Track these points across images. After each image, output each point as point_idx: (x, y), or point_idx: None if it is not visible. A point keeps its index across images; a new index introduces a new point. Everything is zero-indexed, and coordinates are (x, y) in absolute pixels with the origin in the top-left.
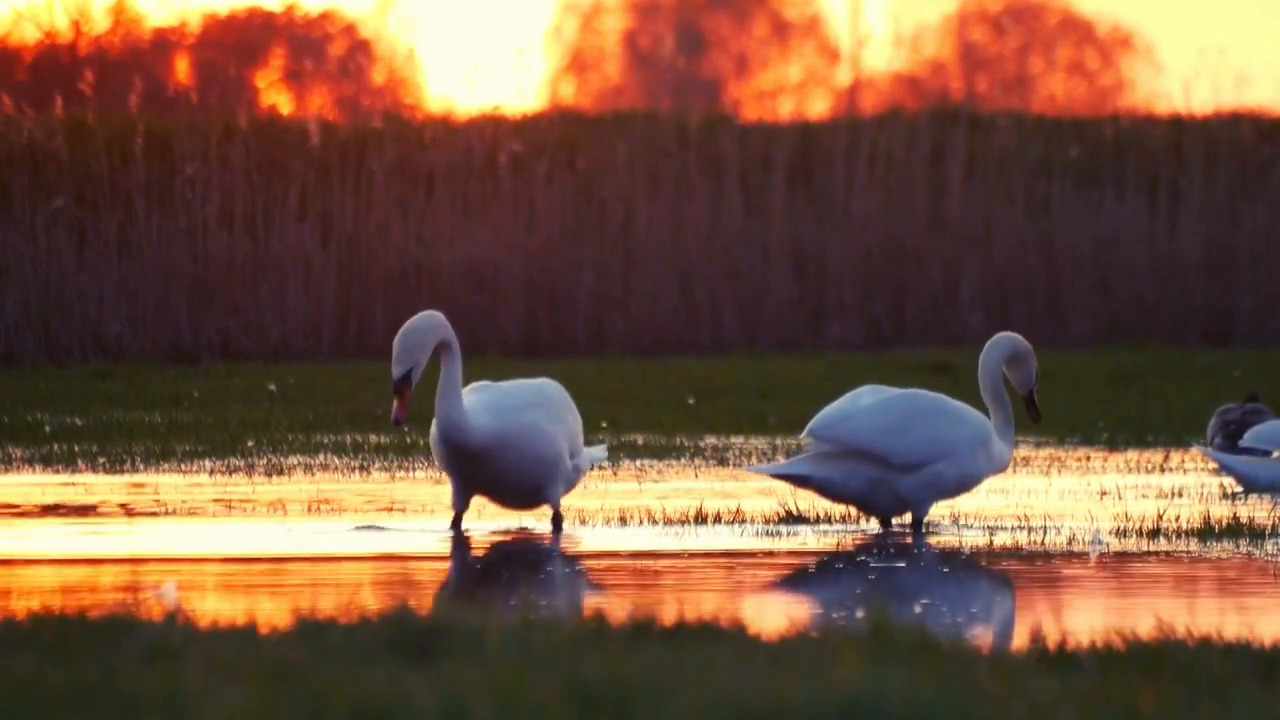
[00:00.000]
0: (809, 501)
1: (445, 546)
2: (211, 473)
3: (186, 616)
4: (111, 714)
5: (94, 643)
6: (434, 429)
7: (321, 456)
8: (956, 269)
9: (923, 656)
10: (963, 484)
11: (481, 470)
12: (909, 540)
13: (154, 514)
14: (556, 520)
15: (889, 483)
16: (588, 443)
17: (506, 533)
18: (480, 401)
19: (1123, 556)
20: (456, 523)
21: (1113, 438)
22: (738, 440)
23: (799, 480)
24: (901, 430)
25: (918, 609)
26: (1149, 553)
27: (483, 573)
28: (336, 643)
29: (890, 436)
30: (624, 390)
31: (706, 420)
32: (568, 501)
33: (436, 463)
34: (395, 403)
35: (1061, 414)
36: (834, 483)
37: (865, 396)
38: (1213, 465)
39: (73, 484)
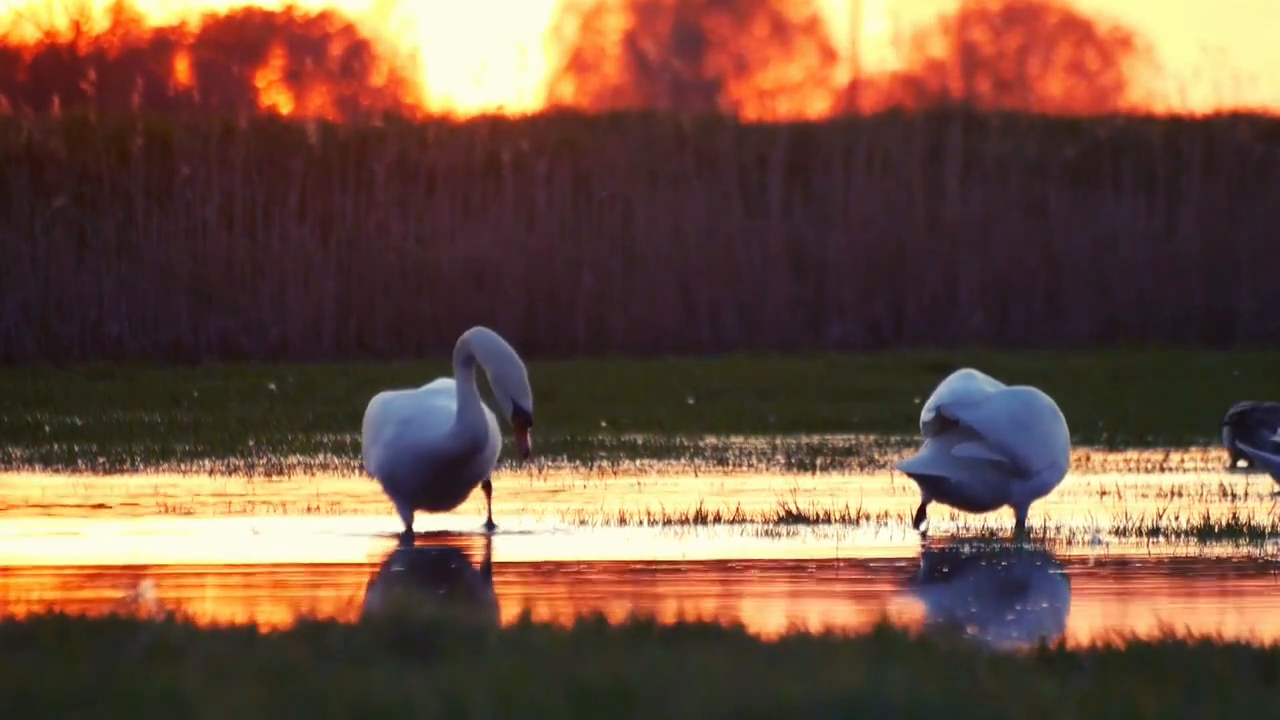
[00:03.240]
0: (808, 500)
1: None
2: (211, 473)
3: (186, 616)
4: (111, 714)
5: (94, 643)
6: (426, 443)
7: (321, 456)
8: (955, 269)
9: (923, 656)
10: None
11: (459, 472)
12: (906, 538)
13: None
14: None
15: (1004, 483)
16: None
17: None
18: (448, 406)
19: (1122, 556)
20: (409, 533)
21: (1113, 438)
22: (738, 440)
23: (934, 480)
24: (1025, 432)
25: (918, 608)
26: (1149, 552)
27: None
28: (336, 643)
29: (1018, 436)
30: (624, 390)
31: (706, 420)
32: (567, 504)
33: (396, 478)
34: (526, 436)
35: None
36: (964, 484)
37: (977, 382)
38: (1212, 465)
39: (74, 484)
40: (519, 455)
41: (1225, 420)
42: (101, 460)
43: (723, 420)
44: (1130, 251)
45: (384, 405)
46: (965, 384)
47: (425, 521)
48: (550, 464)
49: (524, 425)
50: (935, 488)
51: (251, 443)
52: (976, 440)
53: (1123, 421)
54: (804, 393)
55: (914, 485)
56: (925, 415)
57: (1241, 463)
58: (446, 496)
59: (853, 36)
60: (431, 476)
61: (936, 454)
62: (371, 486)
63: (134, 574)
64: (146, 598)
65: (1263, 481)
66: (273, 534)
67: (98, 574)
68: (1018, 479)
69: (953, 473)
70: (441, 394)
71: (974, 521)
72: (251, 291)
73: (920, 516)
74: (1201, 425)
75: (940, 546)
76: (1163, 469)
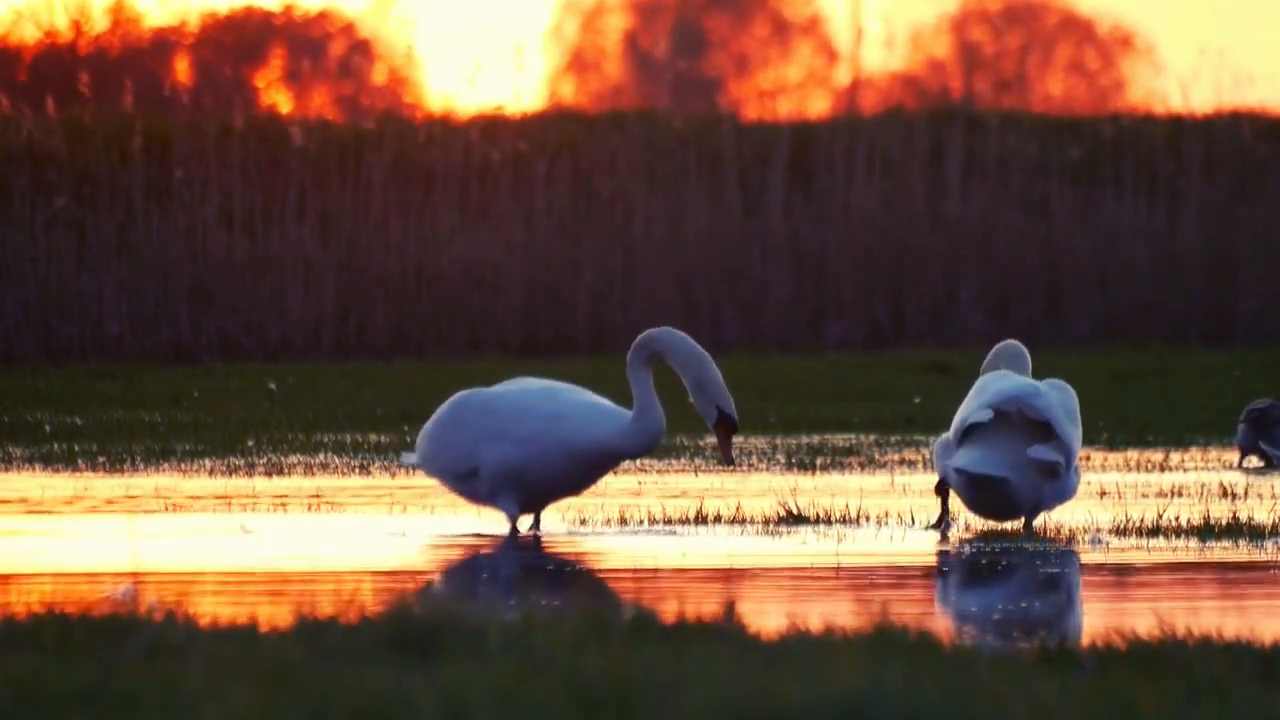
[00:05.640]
0: (808, 500)
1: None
2: (211, 473)
3: (187, 616)
4: (111, 714)
5: (94, 643)
6: (591, 439)
7: (321, 456)
8: (956, 269)
9: (923, 656)
10: None
11: (603, 472)
12: (906, 538)
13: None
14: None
15: (1040, 485)
16: None
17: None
18: (598, 402)
19: (1122, 556)
20: (514, 530)
21: (1113, 438)
22: (738, 440)
23: (991, 482)
24: (1075, 426)
25: (918, 608)
26: (1149, 552)
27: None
28: (336, 643)
29: (1073, 431)
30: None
31: None
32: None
33: (526, 474)
34: (730, 444)
35: None
36: (1019, 486)
37: (1018, 377)
38: (1212, 465)
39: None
40: (723, 462)
41: (1243, 418)
42: (101, 460)
43: None
44: (1131, 251)
45: (503, 398)
46: (1016, 379)
47: (426, 522)
48: None
49: (730, 432)
50: (986, 490)
51: (251, 443)
52: (1047, 440)
53: (1123, 421)
54: (804, 393)
55: (916, 485)
56: (980, 415)
57: (1247, 461)
58: (561, 495)
59: (853, 36)
60: (578, 474)
61: (995, 455)
62: (366, 483)
63: (132, 575)
64: (126, 600)
65: (1265, 481)
66: (265, 532)
67: (97, 574)
68: (1050, 480)
69: (1015, 474)
70: (536, 390)
71: (975, 522)
72: (251, 291)
73: (942, 519)
74: (1201, 425)
75: (941, 547)
76: (1163, 469)
